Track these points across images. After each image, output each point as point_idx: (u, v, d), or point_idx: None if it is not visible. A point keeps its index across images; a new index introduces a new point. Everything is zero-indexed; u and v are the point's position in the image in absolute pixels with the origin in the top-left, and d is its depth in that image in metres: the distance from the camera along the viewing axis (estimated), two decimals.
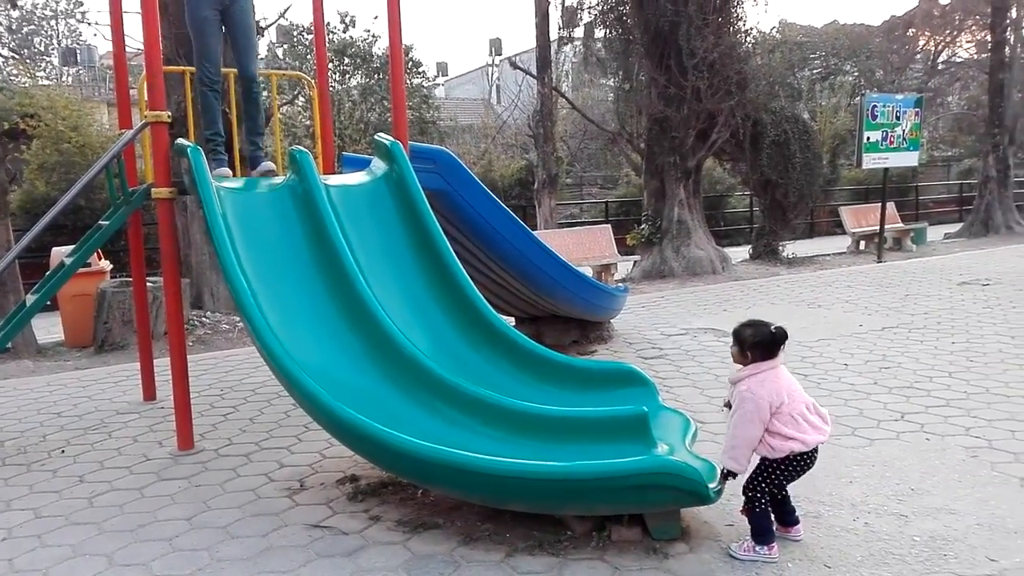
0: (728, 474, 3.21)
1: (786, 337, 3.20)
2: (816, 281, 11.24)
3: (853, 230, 15.95)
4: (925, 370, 6.03)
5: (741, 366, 3.23)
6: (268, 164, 5.06)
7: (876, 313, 8.49)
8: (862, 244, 15.97)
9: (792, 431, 3.12)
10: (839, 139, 23.06)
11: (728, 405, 3.29)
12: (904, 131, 13.57)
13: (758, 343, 3.19)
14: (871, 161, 13.40)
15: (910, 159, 14.19)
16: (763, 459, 3.18)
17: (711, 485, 3.18)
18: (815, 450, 3.20)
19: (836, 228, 19.18)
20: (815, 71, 29.53)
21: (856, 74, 29.80)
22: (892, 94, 15.29)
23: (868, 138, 13.15)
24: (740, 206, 22.92)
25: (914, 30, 30.40)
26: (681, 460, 3.23)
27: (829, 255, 15.12)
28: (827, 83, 29.29)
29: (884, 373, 5.98)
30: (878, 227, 14.45)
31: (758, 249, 14.51)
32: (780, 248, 14.39)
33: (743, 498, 3.24)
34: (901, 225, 16.55)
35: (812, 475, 3.82)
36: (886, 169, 13.97)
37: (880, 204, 14.35)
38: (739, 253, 15.02)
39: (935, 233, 18.32)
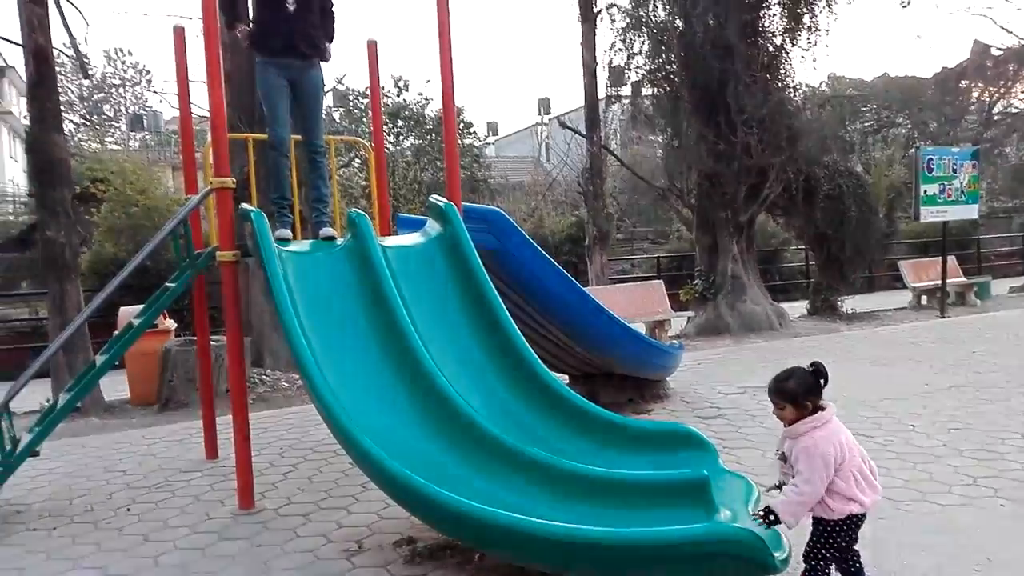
0: (774, 520, 3.03)
1: (825, 370, 3.09)
2: (877, 338, 10.99)
3: (914, 284, 15.60)
4: (997, 431, 5.81)
5: (795, 421, 3.07)
6: (330, 231, 5.19)
7: (942, 371, 8.24)
8: (924, 299, 15.59)
9: (853, 491, 3.01)
10: (895, 192, 22.72)
11: (784, 458, 3.14)
12: (962, 184, 13.33)
13: (809, 388, 3.06)
14: (929, 215, 13.16)
15: (969, 212, 13.89)
16: (819, 520, 3.06)
17: (776, 554, 3.08)
18: (865, 515, 3.09)
19: (896, 282, 18.78)
20: (867, 124, 29.36)
21: (909, 126, 29.51)
22: (948, 147, 15.08)
23: (925, 191, 12.94)
24: (795, 260, 22.63)
25: (967, 81, 30.09)
26: (744, 527, 3.15)
27: (890, 310, 14.77)
28: (880, 136, 29.04)
29: (954, 434, 5.78)
30: (940, 281, 14.11)
31: (816, 304, 14.27)
32: (839, 303, 14.12)
33: (804, 566, 3.13)
34: (964, 279, 16.12)
35: (882, 542, 3.69)
36: (945, 222, 13.69)
37: (941, 258, 14.03)
38: (796, 308, 14.78)
39: (999, 287, 17.81)
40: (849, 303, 14.29)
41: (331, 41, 5.52)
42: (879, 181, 21.74)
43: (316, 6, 5.30)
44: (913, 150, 14.49)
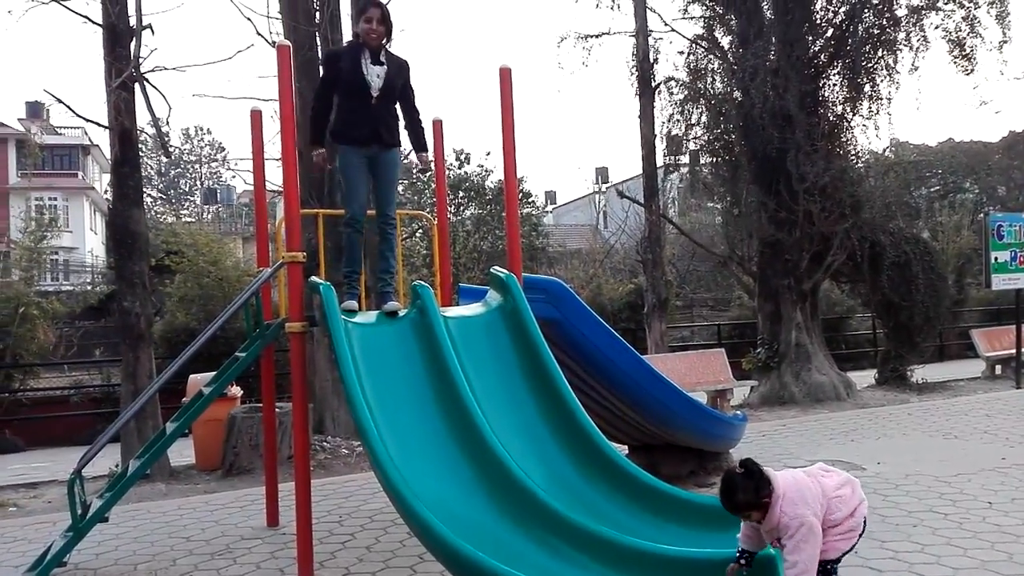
0: None
1: (755, 464, 3.12)
2: (950, 409, 10.58)
3: (987, 354, 15.05)
4: None
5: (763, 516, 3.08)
6: (395, 304, 5.26)
7: (1019, 445, 7.88)
8: (998, 369, 15.01)
9: (848, 506, 3.04)
10: (964, 258, 22.17)
11: (780, 544, 3.10)
12: None
13: (757, 489, 3.06)
14: (1001, 282, 12.81)
15: None
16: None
17: None
18: None
19: (968, 351, 18.15)
20: (933, 189, 28.84)
21: (977, 191, 28.90)
22: (1018, 213, 14.71)
23: (996, 258, 12.63)
24: (862, 328, 22.09)
25: None
26: None
27: (962, 380, 14.24)
28: (947, 201, 28.45)
29: None
30: (1014, 350, 13.58)
31: (884, 374, 13.86)
32: (908, 373, 13.70)
33: None
34: None
35: None
36: (1019, 290, 13.26)
37: (1015, 326, 13.54)
38: (864, 377, 14.36)
39: None
40: (919, 373, 13.85)
41: (421, 135, 5.67)
42: (948, 247, 21.25)
43: (397, 96, 5.47)
44: (982, 216, 14.18)
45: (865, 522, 3.11)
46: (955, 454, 7.60)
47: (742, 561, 3.19)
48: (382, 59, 5.37)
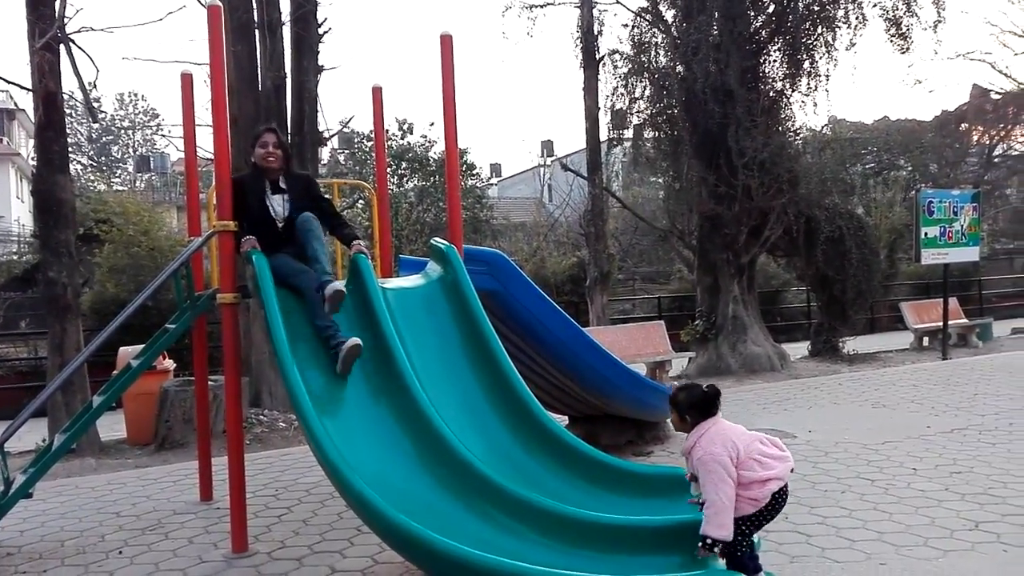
0: (711, 545, 3.12)
1: (719, 394, 3.28)
2: (879, 379, 10.93)
3: (915, 326, 15.57)
4: (999, 475, 5.75)
5: (686, 434, 3.27)
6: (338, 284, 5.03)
7: (944, 413, 8.19)
8: (925, 340, 15.56)
9: (764, 472, 3.13)
10: (896, 234, 22.82)
11: (694, 478, 3.26)
12: (963, 226, 13.40)
13: (694, 404, 3.26)
14: (930, 257, 13.20)
15: (970, 254, 13.95)
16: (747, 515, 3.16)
17: None
18: (786, 485, 3.23)
19: (898, 323, 18.76)
20: (868, 166, 29.52)
21: (910, 168, 29.69)
22: (948, 189, 15.18)
23: (926, 234, 13.00)
24: (796, 301, 22.64)
25: (967, 125, 30.38)
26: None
27: (892, 352, 14.72)
28: (881, 178, 29.17)
29: (955, 478, 5.72)
30: (941, 323, 14.08)
31: (817, 346, 14.24)
32: (840, 344, 14.09)
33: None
34: (965, 321, 16.11)
35: None
36: (946, 264, 13.72)
37: (942, 299, 14.03)
38: (798, 349, 14.73)
39: (1001, 328, 17.75)
40: (851, 344, 14.26)
41: (347, 233, 5.22)
42: (880, 223, 21.82)
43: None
44: (913, 192, 14.58)
45: (776, 500, 3.17)
46: (883, 422, 7.85)
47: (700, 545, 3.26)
48: (282, 185, 5.03)
